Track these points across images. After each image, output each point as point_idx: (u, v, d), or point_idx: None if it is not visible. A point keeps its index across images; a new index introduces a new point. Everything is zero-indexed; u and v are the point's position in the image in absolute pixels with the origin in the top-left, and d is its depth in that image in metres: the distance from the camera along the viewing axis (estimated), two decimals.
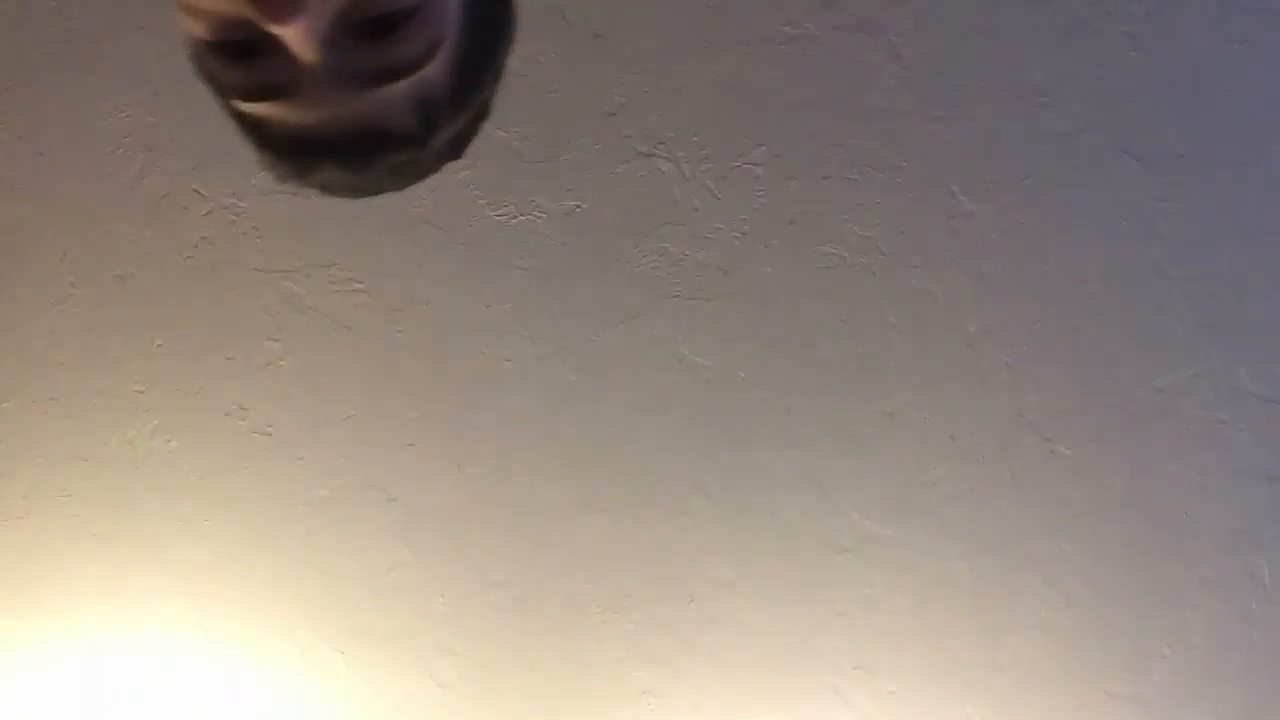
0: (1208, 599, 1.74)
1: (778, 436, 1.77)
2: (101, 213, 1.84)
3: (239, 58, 0.61)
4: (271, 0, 0.56)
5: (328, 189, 0.68)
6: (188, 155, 1.83)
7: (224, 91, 0.64)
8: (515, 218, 1.79)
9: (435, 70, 0.65)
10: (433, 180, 0.70)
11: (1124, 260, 1.73)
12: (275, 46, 0.59)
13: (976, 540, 1.76)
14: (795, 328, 1.77)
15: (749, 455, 1.78)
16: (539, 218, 1.79)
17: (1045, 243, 1.73)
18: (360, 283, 1.81)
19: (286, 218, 1.82)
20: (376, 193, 0.70)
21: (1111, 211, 1.73)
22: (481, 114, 0.73)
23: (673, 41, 1.77)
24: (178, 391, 1.84)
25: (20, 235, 1.86)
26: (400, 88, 0.63)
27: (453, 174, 1.79)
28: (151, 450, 1.84)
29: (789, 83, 1.76)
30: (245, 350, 1.83)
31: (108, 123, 1.84)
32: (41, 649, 1.86)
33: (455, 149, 0.72)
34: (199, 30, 0.61)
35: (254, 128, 0.66)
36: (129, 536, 1.85)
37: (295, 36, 0.57)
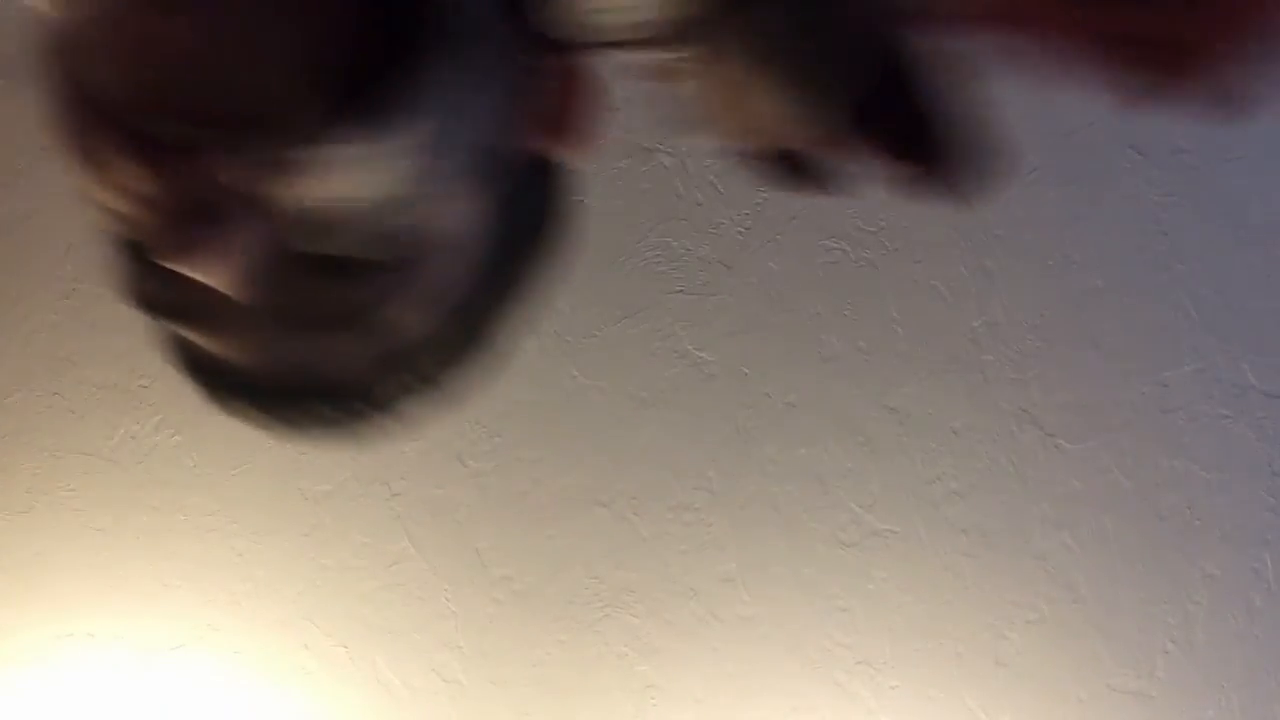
0: (1211, 594, 1.74)
1: (780, 431, 1.77)
2: None
3: (154, 265, 0.45)
4: (169, 235, 0.41)
5: (249, 421, 0.55)
6: None
7: (133, 300, 0.48)
8: None
9: (405, 314, 0.48)
10: None
11: (1128, 255, 1.73)
12: None
13: (979, 535, 1.76)
14: (798, 323, 1.77)
15: (751, 450, 1.78)
16: None
17: (1049, 237, 1.73)
18: None
19: None
20: (303, 439, 0.54)
21: (1115, 206, 1.73)
22: (471, 361, 0.54)
23: None
24: (181, 386, 1.84)
25: (24, 229, 1.87)
26: (354, 334, 0.48)
27: None
28: (155, 445, 1.85)
29: None
30: None
31: None
32: (43, 643, 1.86)
33: (408, 408, 0.53)
34: (114, 216, 0.45)
35: (172, 343, 0.51)
36: (132, 531, 1.85)
37: (210, 276, 0.42)
